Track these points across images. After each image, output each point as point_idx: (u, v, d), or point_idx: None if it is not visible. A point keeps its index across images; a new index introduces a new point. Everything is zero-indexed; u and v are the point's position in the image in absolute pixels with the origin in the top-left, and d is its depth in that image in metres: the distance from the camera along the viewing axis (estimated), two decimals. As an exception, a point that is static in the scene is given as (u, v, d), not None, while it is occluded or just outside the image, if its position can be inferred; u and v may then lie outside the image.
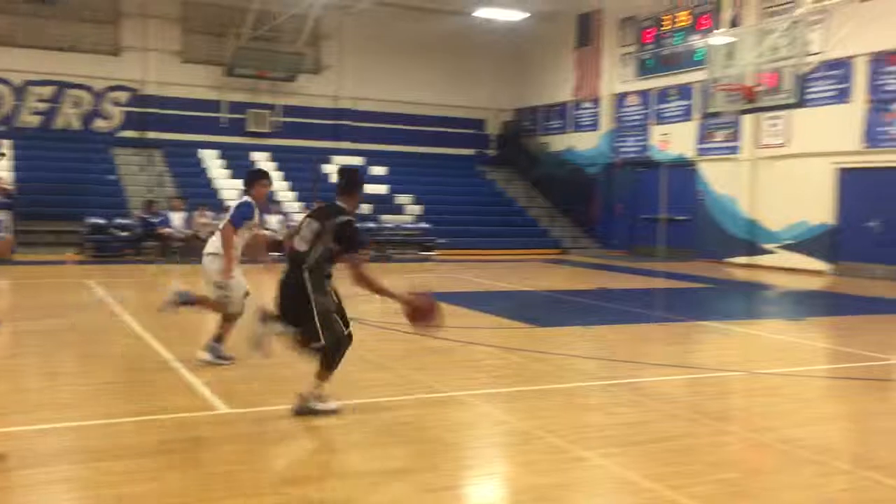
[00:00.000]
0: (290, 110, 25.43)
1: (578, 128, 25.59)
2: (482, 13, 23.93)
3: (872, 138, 17.23)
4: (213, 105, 24.45)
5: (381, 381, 6.75)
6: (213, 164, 22.96)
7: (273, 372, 6.83)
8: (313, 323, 5.27)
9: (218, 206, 19.55)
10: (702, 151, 21.27)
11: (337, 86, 26.05)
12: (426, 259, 20.64)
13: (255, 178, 7.13)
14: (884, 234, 17.06)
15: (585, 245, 24.27)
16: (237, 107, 24.70)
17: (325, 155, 24.82)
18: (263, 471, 4.57)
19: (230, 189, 21.56)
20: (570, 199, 25.56)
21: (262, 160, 23.49)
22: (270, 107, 25.06)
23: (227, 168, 22.70)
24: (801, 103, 14.67)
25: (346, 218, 5.40)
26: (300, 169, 23.23)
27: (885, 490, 4.39)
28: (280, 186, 22.24)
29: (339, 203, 5.54)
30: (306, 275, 5.32)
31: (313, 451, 5.01)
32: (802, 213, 18.55)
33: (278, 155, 23.86)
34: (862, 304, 13.32)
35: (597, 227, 24.79)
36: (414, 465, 4.65)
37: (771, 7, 18.99)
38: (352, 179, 5.73)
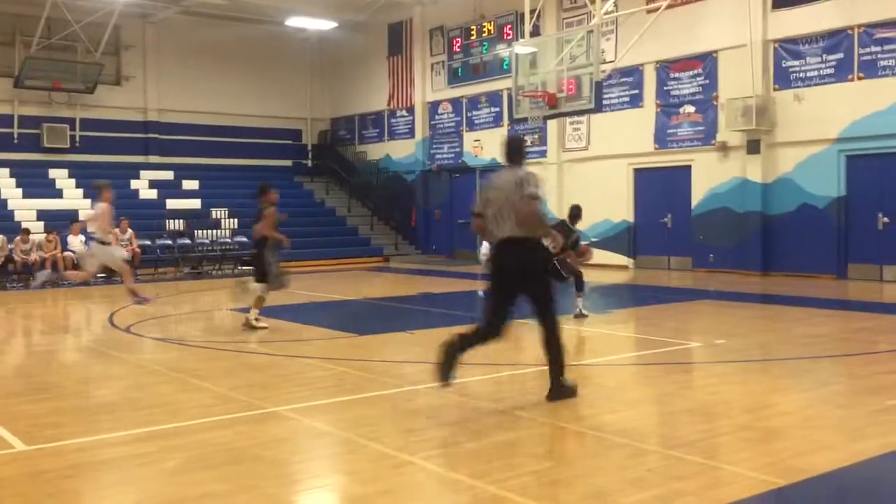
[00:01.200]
0: (91, 124, 23.98)
1: (394, 136, 25.89)
2: (293, 22, 23.70)
3: (662, 140, 18.64)
4: (4, 119, 22.63)
5: (195, 402, 6.49)
6: (6, 183, 21.24)
7: (72, 404, 6.41)
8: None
9: (11, 228, 18.10)
10: (513, 156, 22.10)
11: (142, 97, 24.86)
12: (246, 274, 20.08)
13: None
14: (673, 228, 18.52)
15: (407, 252, 24.55)
16: (31, 121, 23.00)
17: (132, 170, 23.62)
18: (68, 509, 4.26)
19: (26, 209, 20.04)
20: (389, 206, 25.77)
21: (61, 177, 22.00)
22: (69, 120, 23.51)
23: (21, 187, 21.06)
24: (598, 108, 15.59)
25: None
26: (105, 185, 21.92)
27: (688, 465, 4.72)
28: (83, 205, 20.92)
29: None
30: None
31: (121, 482, 4.71)
32: (605, 212, 19.74)
33: (79, 171, 22.42)
34: (659, 294, 14.35)
35: (417, 233, 25.15)
36: (232, 487, 4.48)
37: (568, 18, 20.12)
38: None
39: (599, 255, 20.01)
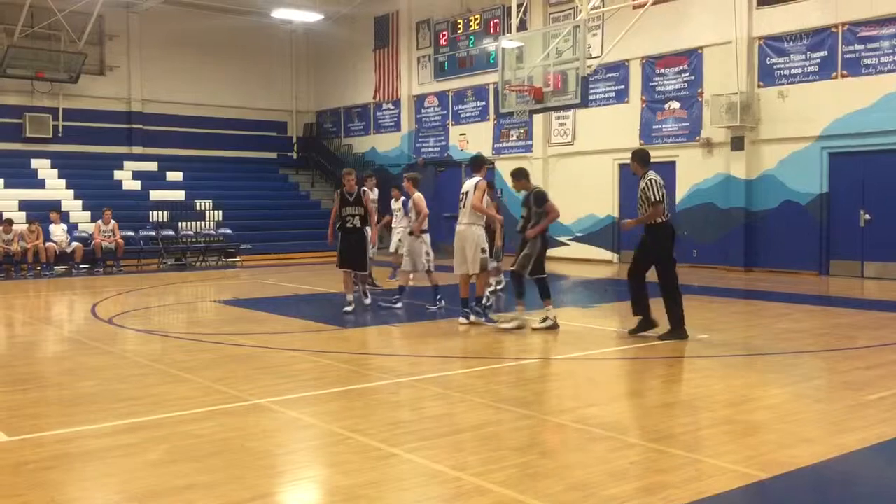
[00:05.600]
0: (74, 114, 23.80)
1: (380, 129, 25.84)
2: (278, 14, 23.59)
3: (647, 135, 18.71)
4: (-15, 109, 22.45)
5: (178, 393, 6.47)
6: (-13, 173, 21.05)
7: (54, 395, 6.38)
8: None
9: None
10: (498, 150, 22.15)
11: (126, 88, 24.69)
12: (230, 266, 20.03)
13: None
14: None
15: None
16: (13, 111, 22.80)
17: (116, 161, 23.47)
18: (46, 502, 4.24)
19: (8, 200, 19.88)
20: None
21: (43, 167, 21.84)
22: (52, 110, 23.32)
23: (3, 177, 20.87)
24: (584, 103, 15.60)
25: None
26: (87, 176, 21.83)
27: (670, 459, 4.76)
28: (66, 195, 20.80)
29: None
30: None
31: (104, 473, 4.70)
32: (590, 206, 19.80)
33: (62, 162, 22.26)
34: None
35: (402, 226, 25.11)
36: (216, 478, 4.48)
37: (555, 13, 20.14)
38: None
39: (584, 251, 20.17)
